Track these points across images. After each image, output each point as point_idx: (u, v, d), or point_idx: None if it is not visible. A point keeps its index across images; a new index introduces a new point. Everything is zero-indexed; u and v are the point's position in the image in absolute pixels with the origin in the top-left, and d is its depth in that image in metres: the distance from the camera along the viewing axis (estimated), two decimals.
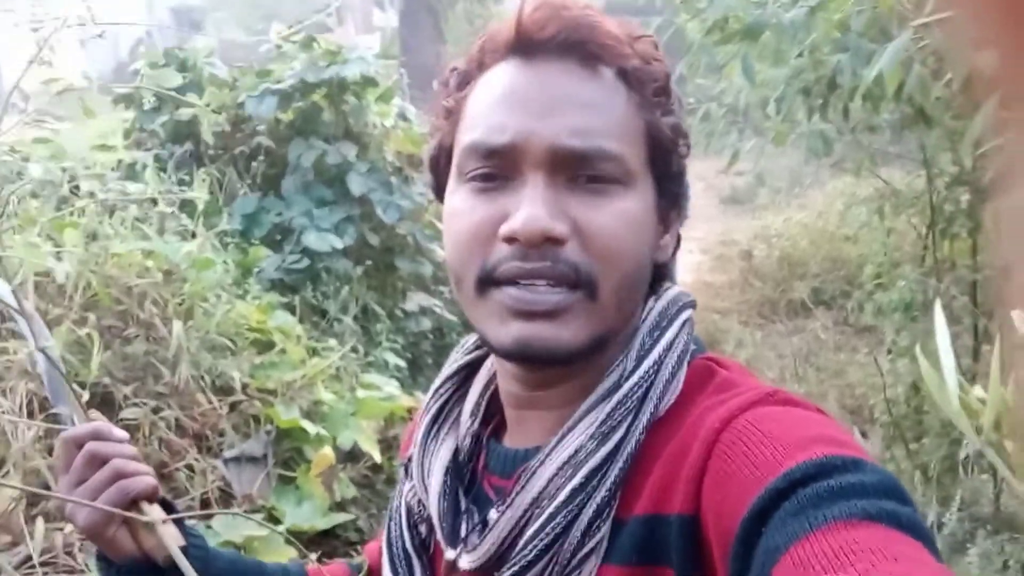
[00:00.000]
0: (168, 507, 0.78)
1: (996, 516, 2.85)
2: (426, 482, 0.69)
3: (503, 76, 0.64)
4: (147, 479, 0.75)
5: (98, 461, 0.74)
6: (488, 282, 0.62)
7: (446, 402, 0.74)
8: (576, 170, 0.61)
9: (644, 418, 0.61)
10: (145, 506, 0.74)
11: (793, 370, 4.53)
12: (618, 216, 0.61)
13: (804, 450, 0.51)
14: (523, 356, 0.63)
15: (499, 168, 0.62)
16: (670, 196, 0.67)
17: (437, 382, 0.75)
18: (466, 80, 0.66)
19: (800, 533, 0.46)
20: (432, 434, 0.72)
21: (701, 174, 8.34)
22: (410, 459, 0.73)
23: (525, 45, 0.63)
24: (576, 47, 0.62)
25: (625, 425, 0.61)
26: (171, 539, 0.74)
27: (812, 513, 0.47)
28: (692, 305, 0.69)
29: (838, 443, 0.52)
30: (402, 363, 3.58)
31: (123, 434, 0.78)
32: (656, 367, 0.63)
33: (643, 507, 0.59)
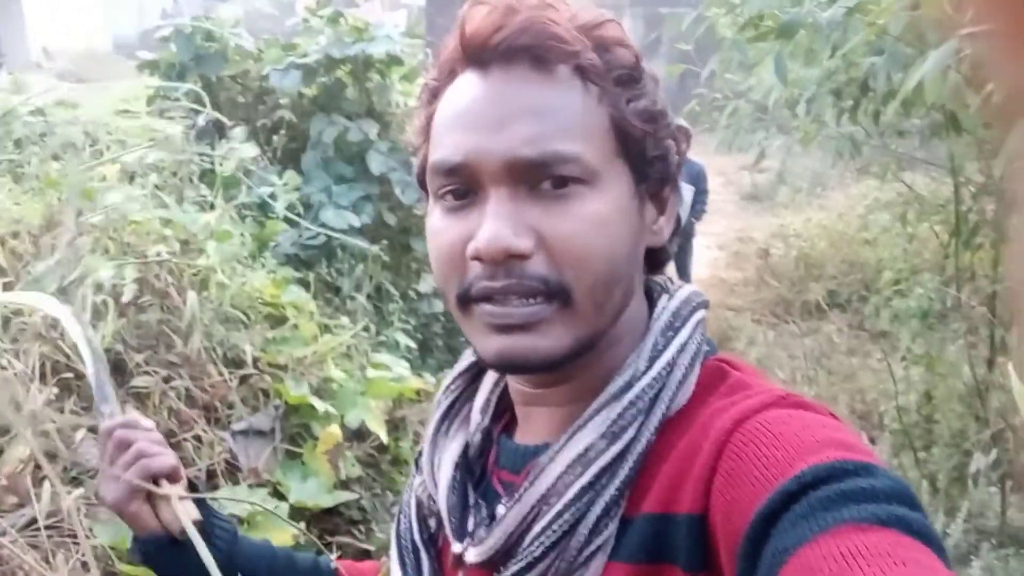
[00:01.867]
0: (193, 488, 0.85)
1: (1002, 530, 2.83)
2: (436, 476, 0.70)
3: (459, 90, 0.64)
4: (167, 459, 0.82)
5: (125, 445, 0.82)
6: (467, 300, 0.63)
7: (457, 398, 0.75)
8: (536, 179, 0.61)
9: (655, 419, 0.61)
10: (164, 483, 0.81)
11: (804, 372, 4.50)
12: (584, 220, 0.61)
13: (815, 453, 0.52)
14: (506, 368, 0.65)
15: (464, 184, 0.62)
16: (656, 178, 0.66)
17: (448, 379, 0.76)
18: (435, 94, 0.67)
19: (809, 535, 0.46)
20: (443, 430, 0.73)
21: (722, 169, 8.29)
22: (421, 453, 0.74)
23: (473, 56, 0.63)
24: (524, 51, 0.61)
25: (636, 425, 0.61)
26: (183, 512, 0.80)
27: (822, 516, 0.47)
28: (705, 305, 0.69)
29: (849, 447, 0.53)
30: (413, 344, 3.59)
31: (150, 423, 0.86)
32: (669, 368, 0.63)
33: (651, 506, 0.59)
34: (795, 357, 4.83)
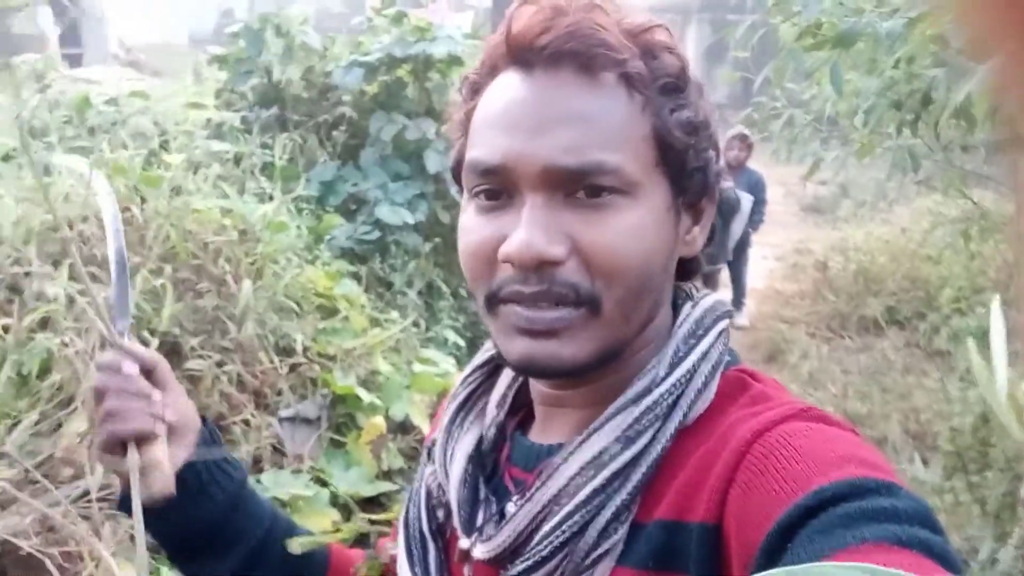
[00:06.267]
0: (215, 437, 0.80)
1: None
2: (448, 468, 0.70)
3: (501, 90, 0.63)
4: (135, 422, 0.72)
5: (99, 396, 0.74)
6: (495, 300, 0.63)
7: (474, 391, 0.74)
8: (573, 187, 0.60)
9: (672, 425, 0.61)
10: (131, 447, 0.72)
11: (858, 388, 4.41)
12: (620, 231, 0.60)
13: (837, 469, 0.51)
14: (528, 372, 0.65)
15: (499, 185, 0.62)
16: (694, 190, 0.65)
17: (467, 370, 0.76)
18: (476, 90, 0.66)
19: (827, 551, 0.45)
20: (458, 421, 0.73)
21: (782, 180, 8.17)
22: (434, 443, 0.73)
23: (518, 56, 0.62)
24: (570, 56, 0.60)
25: (652, 431, 0.60)
26: (137, 487, 0.72)
27: (841, 533, 0.46)
28: (729, 315, 0.68)
29: (871, 465, 0.51)
30: (461, 342, 3.62)
31: (131, 368, 0.75)
32: (689, 376, 0.62)
33: (664, 512, 0.58)
34: (849, 372, 4.73)
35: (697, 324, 0.65)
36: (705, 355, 0.63)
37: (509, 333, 0.62)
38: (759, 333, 5.77)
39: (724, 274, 5.96)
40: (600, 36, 0.60)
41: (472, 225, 0.64)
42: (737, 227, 5.52)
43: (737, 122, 5.02)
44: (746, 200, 5.51)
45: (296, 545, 0.79)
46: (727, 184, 5.23)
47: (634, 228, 0.61)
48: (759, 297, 6.53)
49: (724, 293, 6.05)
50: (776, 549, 0.48)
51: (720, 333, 0.66)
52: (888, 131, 2.71)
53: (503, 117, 0.62)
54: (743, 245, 5.90)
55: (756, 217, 5.84)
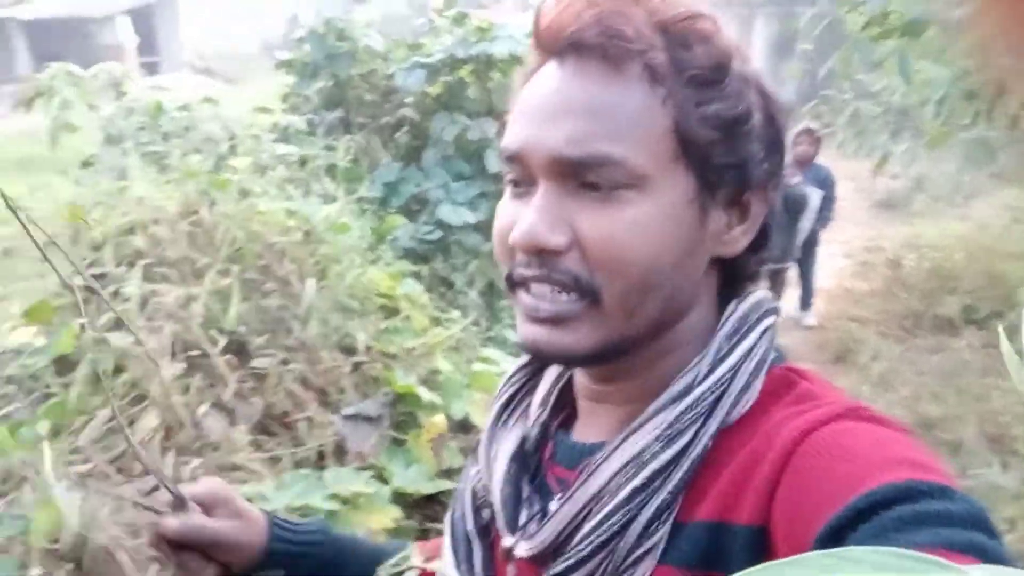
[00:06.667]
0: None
1: None
2: (491, 468, 0.70)
3: (536, 80, 0.64)
4: None
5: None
6: (511, 283, 0.64)
7: (518, 390, 0.75)
8: (579, 178, 0.60)
9: (714, 424, 0.60)
10: None
11: (931, 389, 4.27)
12: (623, 224, 0.59)
13: (888, 471, 0.49)
14: (534, 356, 0.67)
15: (520, 171, 0.63)
16: (727, 186, 0.62)
17: (511, 370, 0.76)
18: (527, 78, 0.66)
19: None
20: (501, 421, 0.73)
21: (853, 174, 7.93)
22: (478, 443, 0.74)
23: (550, 47, 0.63)
24: (592, 47, 0.60)
25: (693, 429, 0.60)
26: None
27: (893, 537, 0.45)
28: (775, 312, 0.67)
29: (924, 467, 0.50)
30: None
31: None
32: (732, 373, 0.61)
33: (707, 512, 0.58)
34: (922, 374, 4.59)
35: (741, 321, 0.64)
36: (748, 353, 0.62)
37: (522, 318, 0.64)
38: (828, 333, 5.63)
39: (792, 272, 5.84)
40: (619, 28, 0.59)
41: (501, 210, 0.66)
42: (805, 224, 5.40)
43: (804, 116, 4.91)
44: (815, 196, 5.38)
45: (383, 571, 0.82)
46: (795, 180, 5.12)
47: (639, 222, 0.60)
48: (828, 296, 6.38)
49: (792, 292, 5.92)
50: None
51: (765, 330, 0.64)
52: (962, 122, 2.61)
53: (527, 105, 0.63)
54: (811, 243, 5.77)
55: (825, 214, 5.70)
